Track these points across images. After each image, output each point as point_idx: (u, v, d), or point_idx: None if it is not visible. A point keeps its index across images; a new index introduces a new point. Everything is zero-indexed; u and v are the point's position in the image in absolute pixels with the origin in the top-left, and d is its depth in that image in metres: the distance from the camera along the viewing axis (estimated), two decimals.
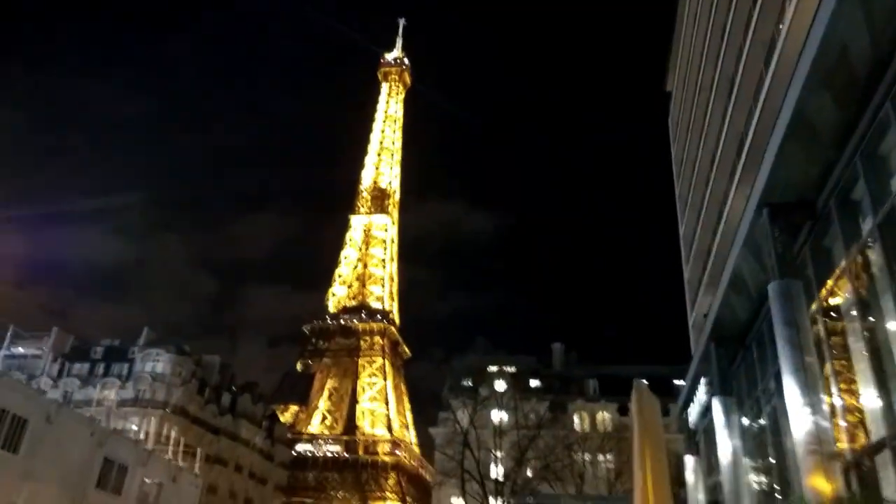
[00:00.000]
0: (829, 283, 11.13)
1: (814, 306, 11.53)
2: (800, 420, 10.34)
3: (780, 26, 17.22)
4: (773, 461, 14.75)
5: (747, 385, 16.12)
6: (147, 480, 24.44)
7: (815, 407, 10.17)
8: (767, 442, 14.73)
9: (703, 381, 18.78)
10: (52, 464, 18.72)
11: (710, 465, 19.60)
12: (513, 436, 42.77)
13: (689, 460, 20.65)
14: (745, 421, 16.27)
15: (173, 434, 67.32)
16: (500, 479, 40.30)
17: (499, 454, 41.73)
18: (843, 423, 10.43)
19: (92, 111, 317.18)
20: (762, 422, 15.06)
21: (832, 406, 10.67)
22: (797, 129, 10.07)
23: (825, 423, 10.12)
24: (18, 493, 17.59)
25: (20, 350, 73.56)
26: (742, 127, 26.81)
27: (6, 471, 17.53)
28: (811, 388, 10.21)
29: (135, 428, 61.98)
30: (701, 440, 20.26)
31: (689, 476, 20.50)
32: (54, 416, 18.75)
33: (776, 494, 14.52)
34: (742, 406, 16.40)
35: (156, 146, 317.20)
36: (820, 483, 9.77)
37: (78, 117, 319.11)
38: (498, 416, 45.13)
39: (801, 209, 11.26)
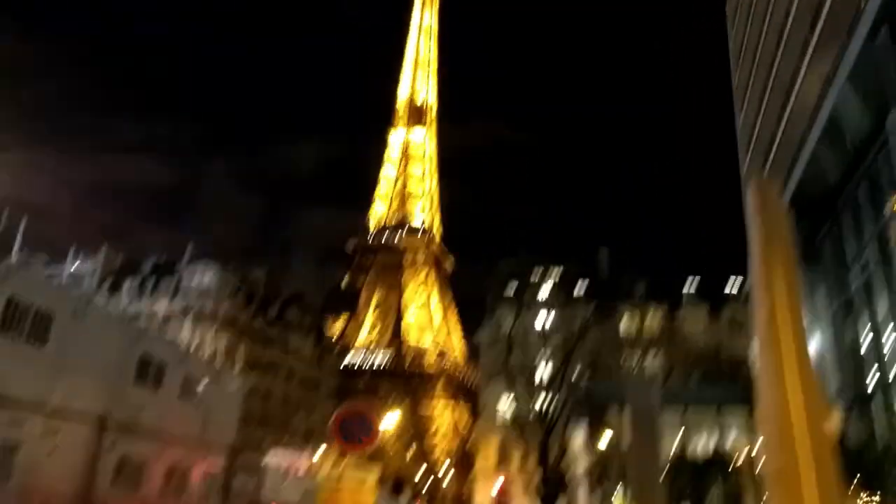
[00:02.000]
0: None
1: None
2: None
3: None
4: (863, 338, 13.05)
5: (835, 257, 14.21)
6: (193, 378, 24.10)
7: None
8: (861, 316, 12.97)
9: None
10: (86, 359, 18.29)
11: None
12: (558, 339, 41.72)
13: None
14: (833, 295, 14.45)
15: (223, 344, 69.47)
16: (546, 379, 39.62)
17: (545, 358, 40.93)
18: None
19: (136, 38, 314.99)
20: (855, 294, 13.24)
21: None
22: None
23: None
24: (53, 386, 17.23)
25: (72, 269, 75.33)
26: None
27: (37, 365, 17.08)
28: None
29: (186, 338, 63.39)
30: None
31: None
32: (82, 312, 18.17)
33: (867, 373, 12.91)
34: (828, 279, 14.53)
35: (198, 71, 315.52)
36: None
37: (124, 47, 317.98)
38: (543, 320, 44.16)
39: None
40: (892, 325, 11.56)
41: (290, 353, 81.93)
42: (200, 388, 24.05)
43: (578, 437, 21.08)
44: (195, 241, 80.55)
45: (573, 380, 38.34)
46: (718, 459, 14.95)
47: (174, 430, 22.28)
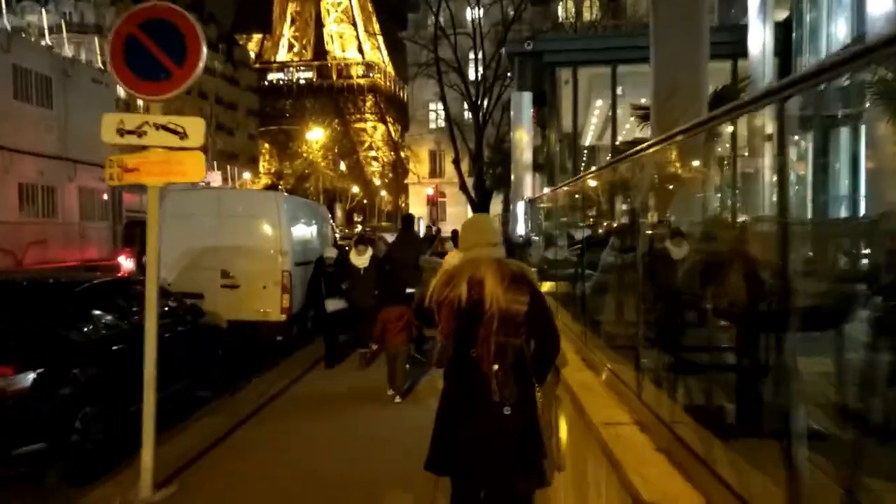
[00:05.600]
0: None
1: None
2: None
3: None
4: None
5: None
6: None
7: None
8: None
9: None
10: None
11: None
12: (491, 24, 36.27)
13: None
14: None
15: None
16: (479, 73, 35.36)
17: (477, 48, 35.94)
18: None
19: None
20: None
21: None
22: None
23: None
24: None
25: None
26: None
27: None
28: None
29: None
30: None
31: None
32: None
33: None
34: None
35: None
36: None
37: None
38: (474, 6, 38.26)
39: None
40: None
41: None
42: (48, 89, 19.00)
43: (523, 133, 17.72)
44: None
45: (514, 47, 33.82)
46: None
47: (19, 142, 17.80)
